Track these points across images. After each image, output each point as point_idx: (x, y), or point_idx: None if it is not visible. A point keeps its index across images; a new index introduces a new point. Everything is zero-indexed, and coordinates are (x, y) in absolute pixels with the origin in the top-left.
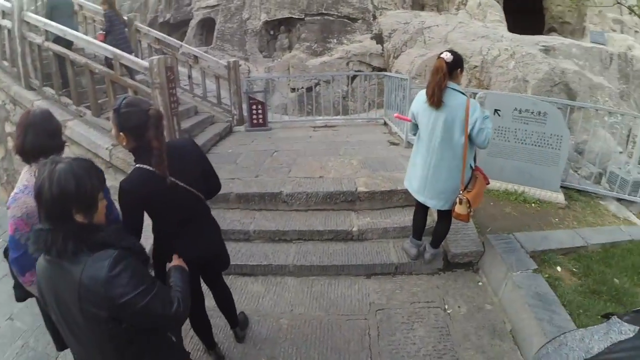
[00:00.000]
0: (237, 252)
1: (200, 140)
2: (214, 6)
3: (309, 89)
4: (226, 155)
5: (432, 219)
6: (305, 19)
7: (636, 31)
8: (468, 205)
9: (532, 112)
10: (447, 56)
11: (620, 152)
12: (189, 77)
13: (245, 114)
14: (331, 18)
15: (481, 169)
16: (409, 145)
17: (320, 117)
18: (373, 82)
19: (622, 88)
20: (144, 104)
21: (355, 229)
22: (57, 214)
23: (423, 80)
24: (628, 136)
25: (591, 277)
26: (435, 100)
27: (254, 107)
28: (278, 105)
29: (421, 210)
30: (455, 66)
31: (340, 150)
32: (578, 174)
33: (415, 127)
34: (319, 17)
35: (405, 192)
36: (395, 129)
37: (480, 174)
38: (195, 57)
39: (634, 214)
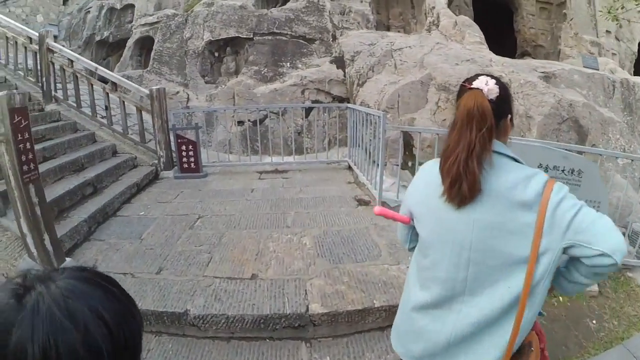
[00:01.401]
0: None
1: (108, 194)
2: (153, 23)
3: (259, 122)
4: (134, 223)
5: None
6: (255, 39)
7: (614, 53)
8: None
9: (562, 170)
10: (490, 86)
11: None
12: (106, 107)
13: (175, 154)
14: (284, 38)
15: (539, 325)
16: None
17: (269, 160)
18: (334, 115)
19: (627, 120)
20: None
21: None
22: None
23: (395, 115)
24: None
25: None
26: (468, 187)
27: (184, 147)
28: (221, 141)
29: None
30: (504, 108)
31: (289, 216)
32: None
33: (414, 236)
34: (270, 37)
35: (386, 309)
36: (362, 178)
37: (538, 336)
38: (114, 84)
39: None
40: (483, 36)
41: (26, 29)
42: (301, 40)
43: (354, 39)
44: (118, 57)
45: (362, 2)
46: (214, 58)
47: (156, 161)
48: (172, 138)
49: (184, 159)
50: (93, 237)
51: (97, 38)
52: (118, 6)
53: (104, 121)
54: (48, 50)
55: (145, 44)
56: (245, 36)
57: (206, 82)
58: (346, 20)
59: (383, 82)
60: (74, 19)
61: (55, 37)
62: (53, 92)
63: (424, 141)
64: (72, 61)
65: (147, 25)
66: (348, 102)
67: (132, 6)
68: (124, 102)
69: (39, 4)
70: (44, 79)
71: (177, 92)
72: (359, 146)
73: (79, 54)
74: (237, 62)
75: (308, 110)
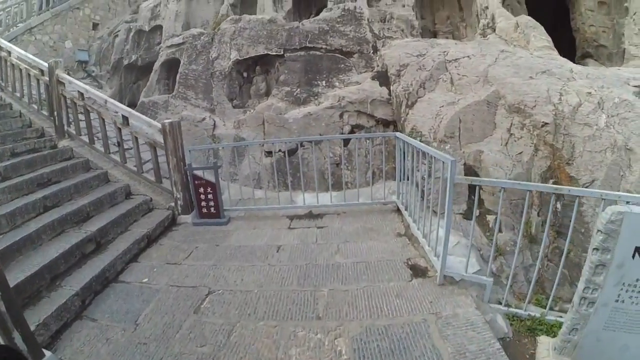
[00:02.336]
0: None
1: (111, 252)
2: (179, 44)
3: (291, 152)
4: (133, 295)
5: None
6: (286, 55)
7: None
8: None
9: None
10: None
11: None
12: (118, 143)
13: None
14: (318, 53)
15: None
16: (448, 281)
17: (302, 198)
18: (378, 142)
19: None
20: None
21: None
22: None
23: (456, 145)
24: None
25: None
26: None
27: (202, 190)
28: (248, 174)
29: None
30: None
31: (322, 297)
32: None
33: None
34: (302, 53)
35: None
36: (415, 231)
37: None
38: (125, 117)
39: None
40: (550, 39)
41: (36, 59)
42: (337, 55)
43: (399, 49)
44: (147, 81)
45: (404, 6)
46: (243, 79)
47: (173, 204)
48: (189, 179)
49: (203, 203)
50: (86, 313)
51: (125, 62)
52: (146, 28)
53: (118, 158)
54: (58, 82)
55: (172, 67)
56: (275, 53)
57: (234, 106)
58: (388, 29)
59: (438, 102)
60: (104, 43)
61: (86, 63)
62: (66, 127)
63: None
64: (82, 93)
65: (173, 47)
66: (395, 127)
67: (160, 27)
68: (136, 137)
69: (67, 30)
70: (55, 113)
71: (203, 119)
72: (407, 179)
73: (108, 79)
74: (267, 82)
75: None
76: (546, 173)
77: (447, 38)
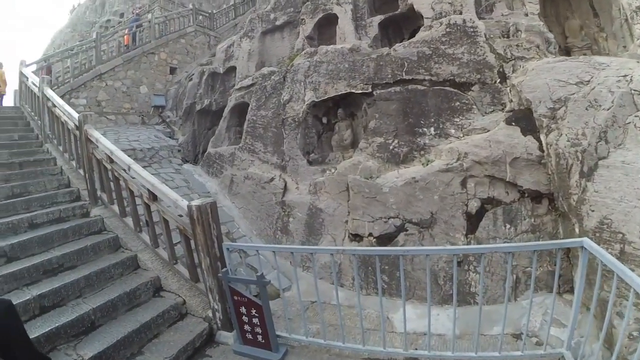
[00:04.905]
0: None
1: None
2: (249, 87)
3: (387, 238)
4: None
5: None
6: (375, 93)
7: None
8: None
9: None
10: None
11: None
12: (147, 223)
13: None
14: (421, 87)
15: None
16: None
17: (399, 322)
18: (526, 228)
19: None
20: None
21: None
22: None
23: None
24: None
25: None
26: None
27: (243, 309)
28: (324, 264)
29: None
30: None
31: None
32: None
33: None
34: (398, 89)
35: None
36: None
37: None
38: (152, 193)
39: None
40: None
41: (70, 110)
42: (448, 88)
43: (543, 75)
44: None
45: (527, 15)
46: (322, 126)
47: (210, 313)
48: (226, 288)
49: (246, 327)
50: None
51: (198, 107)
52: (221, 70)
53: (148, 240)
54: (87, 139)
55: (243, 113)
56: (361, 91)
57: (311, 162)
58: (516, 46)
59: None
60: (180, 87)
61: (163, 108)
62: (99, 192)
63: None
64: (110, 157)
65: (242, 90)
66: (553, 205)
67: (234, 69)
68: (164, 218)
69: (142, 75)
70: (86, 175)
71: (272, 179)
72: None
73: (180, 125)
74: (353, 129)
75: (476, 220)
76: None
77: (584, 54)
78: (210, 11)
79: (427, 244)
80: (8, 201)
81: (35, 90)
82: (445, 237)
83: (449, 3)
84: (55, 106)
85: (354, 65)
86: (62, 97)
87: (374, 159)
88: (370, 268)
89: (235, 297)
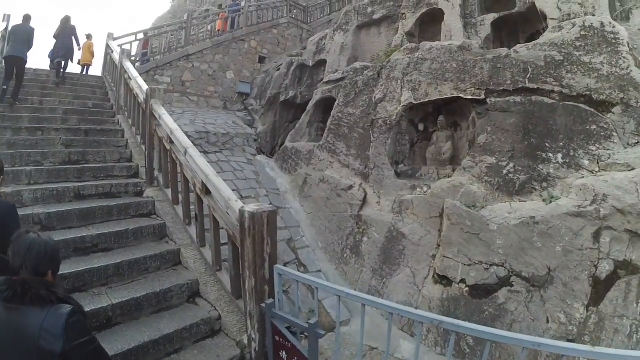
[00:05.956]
0: None
1: None
2: (337, 81)
3: (484, 290)
4: None
5: None
6: (489, 101)
7: None
8: None
9: None
10: None
11: None
12: (196, 218)
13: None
14: (548, 100)
15: None
16: None
17: None
18: None
19: None
20: None
21: None
22: (41, 271)
23: None
24: None
25: None
26: None
27: (283, 354)
28: (402, 302)
29: None
30: None
31: None
32: None
33: None
34: (519, 99)
35: None
36: None
37: None
38: (204, 185)
39: None
40: None
41: (142, 83)
42: (582, 105)
43: None
44: None
45: None
46: (417, 133)
47: (246, 341)
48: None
49: None
50: None
51: (282, 98)
52: (310, 63)
53: (195, 236)
54: (152, 115)
55: (328, 109)
56: (471, 97)
57: (398, 175)
58: None
59: None
60: (267, 76)
61: (247, 95)
62: (156, 172)
63: None
64: (170, 138)
65: (330, 83)
66: None
67: (324, 63)
68: (214, 216)
69: (230, 60)
70: (147, 152)
71: (350, 187)
72: None
73: (262, 114)
74: (455, 143)
75: (603, 288)
76: None
77: None
78: (304, 4)
79: (536, 310)
80: (61, 167)
81: (116, 61)
82: (560, 304)
83: (579, 4)
84: (130, 78)
85: (464, 65)
86: (147, 72)
87: (480, 183)
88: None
89: (277, 338)
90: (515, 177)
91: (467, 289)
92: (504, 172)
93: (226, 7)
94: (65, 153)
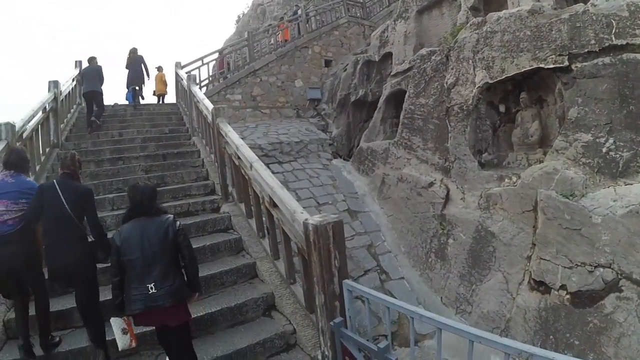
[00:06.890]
0: None
1: None
2: (405, 71)
3: (591, 297)
4: None
5: None
6: (574, 67)
7: None
8: None
9: None
10: None
11: None
12: (268, 231)
13: None
14: None
15: None
16: None
17: None
18: None
19: None
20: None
21: None
22: (152, 200)
23: None
24: None
25: None
26: None
27: None
28: (490, 313)
29: None
30: None
31: None
32: None
33: None
34: (607, 60)
35: None
36: None
37: None
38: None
39: None
40: None
41: (208, 104)
42: None
43: None
44: None
45: None
46: (498, 116)
47: (319, 356)
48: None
49: None
50: None
51: (353, 98)
52: (376, 58)
53: (268, 248)
54: (219, 133)
55: (399, 102)
56: (553, 65)
57: (482, 165)
58: None
59: None
60: (335, 79)
61: (319, 101)
62: (230, 187)
63: None
64: (237, 155)
65: (398, 75)
66: None
67: (391, 55)
68: (283, 229)
69: (296, 69)
70: (219, 170)
71: (431, 184)
72: None
73: (335, 117)
74: (542, 120)
75: None
76: None
77: None
78: (362, 0)
79: None
80: None
81: (185, 87)
82: None
83: None
84: (198, 101)
85: (539, 31)
86: (217, 92)
87: (577, 167)
88: (558, 333)
89: (347, 359)
90: (618, 155)
91: (568, 296)
92: (604, 150)
93: (287, 18)
94: (144, 179)
